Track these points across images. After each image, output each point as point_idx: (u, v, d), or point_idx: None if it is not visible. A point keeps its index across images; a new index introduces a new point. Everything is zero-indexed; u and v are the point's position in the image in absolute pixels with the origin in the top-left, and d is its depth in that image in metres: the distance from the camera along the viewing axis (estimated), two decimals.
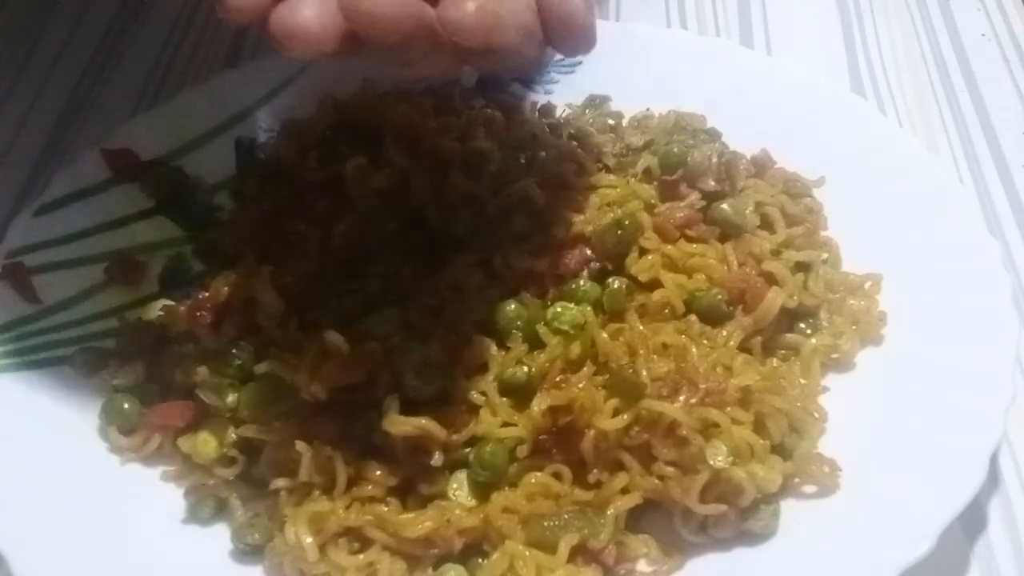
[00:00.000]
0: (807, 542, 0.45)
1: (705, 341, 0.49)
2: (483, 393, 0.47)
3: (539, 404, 0.45)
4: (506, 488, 0.45)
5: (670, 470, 0.45)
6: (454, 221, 0.52)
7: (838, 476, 0.46)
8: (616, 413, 0.45)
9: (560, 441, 0.46)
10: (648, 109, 0.62)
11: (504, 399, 0.47)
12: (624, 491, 0.45)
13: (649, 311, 0.50)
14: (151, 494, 0.48)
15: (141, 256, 0.57)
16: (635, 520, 0.46)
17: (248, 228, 0.55)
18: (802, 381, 0.50)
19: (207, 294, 0.52)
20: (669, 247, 0.52)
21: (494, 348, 0.48)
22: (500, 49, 0.39)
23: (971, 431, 0.46)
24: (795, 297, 0.51)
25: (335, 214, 0.53)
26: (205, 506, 0.47)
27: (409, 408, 0.46)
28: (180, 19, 0.77)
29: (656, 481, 0.45)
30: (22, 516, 0.46)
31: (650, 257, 0.51)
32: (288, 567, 0.44)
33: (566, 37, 0.41)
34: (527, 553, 0.43)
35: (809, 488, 0.46)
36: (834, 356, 0.51)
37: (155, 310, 0.54)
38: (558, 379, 0.46)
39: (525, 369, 0.47)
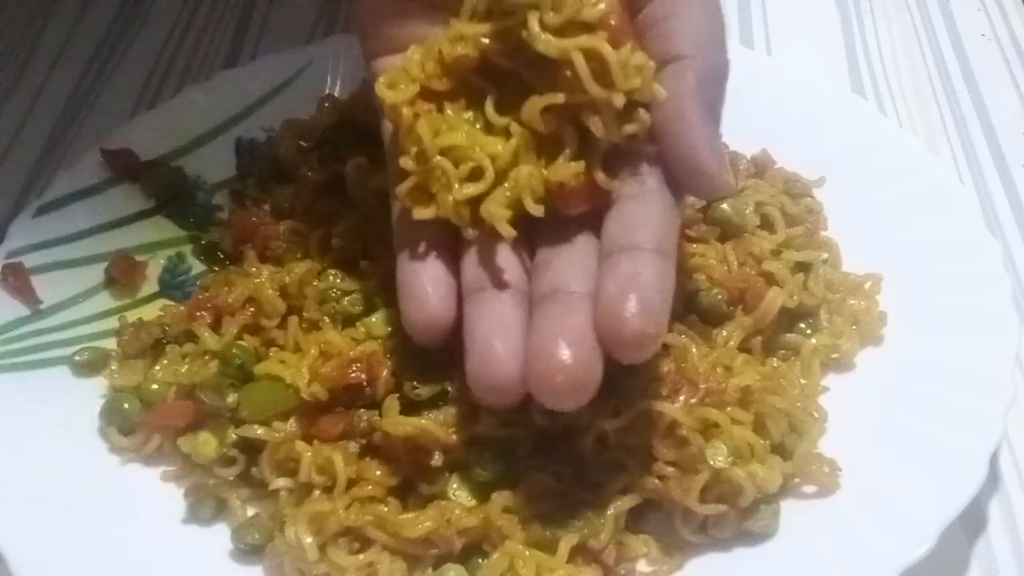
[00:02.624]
0: (807, 542, 0.45)
1: (705, 341, 0.49)
2: None
3: (539, 404, 0.45)
4: (506, 488, 0.45)
5: (670, 470, 0.45)
6: None
7: (838, 476, 0.46)
8: (616, 413, 0.45)
9: (560, 441, 0.46)
10: None
11: None
12: (624, 491, 0.45)
13: None
14: (151, 494, 0.48)
15: (141, 256, 0.57)
16: (635, 520, 0.46)
17: (248, 228, 0.55)
18: (802, 381, 0.50)
19: (207, 294, 0.52)
20: None
21: None
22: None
23: (971, 431, 0.46)
24: (795, 297, 0.51)
25: (335, 214, 0.53)
26: (205, 506, 0.47)
27: (409, 408, 0.46)
28: (180, 19, 0.77)
29: (656, 481, 0.45)
30: (22, 516, 0.46)
31: None
32: (288, 567, 0.44)
33: (698, 188, 0.42)
34: (527, 553, 0.43)
35: (809, 488, 0.47)
36: (834, 356, 0.51)
37: (155, 310, 0.54)
38: None
39: None
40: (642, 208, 0.41)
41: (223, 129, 0.62)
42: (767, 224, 0.54)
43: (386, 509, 0.45)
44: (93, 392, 0.51)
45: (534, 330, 0.39)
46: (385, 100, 0.43)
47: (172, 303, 0.55)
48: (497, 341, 0.39)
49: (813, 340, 0.51)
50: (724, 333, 0.50)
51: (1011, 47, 0.73)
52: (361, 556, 0.44)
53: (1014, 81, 0.70)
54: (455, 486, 0.45)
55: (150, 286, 0.57)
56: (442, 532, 0.44)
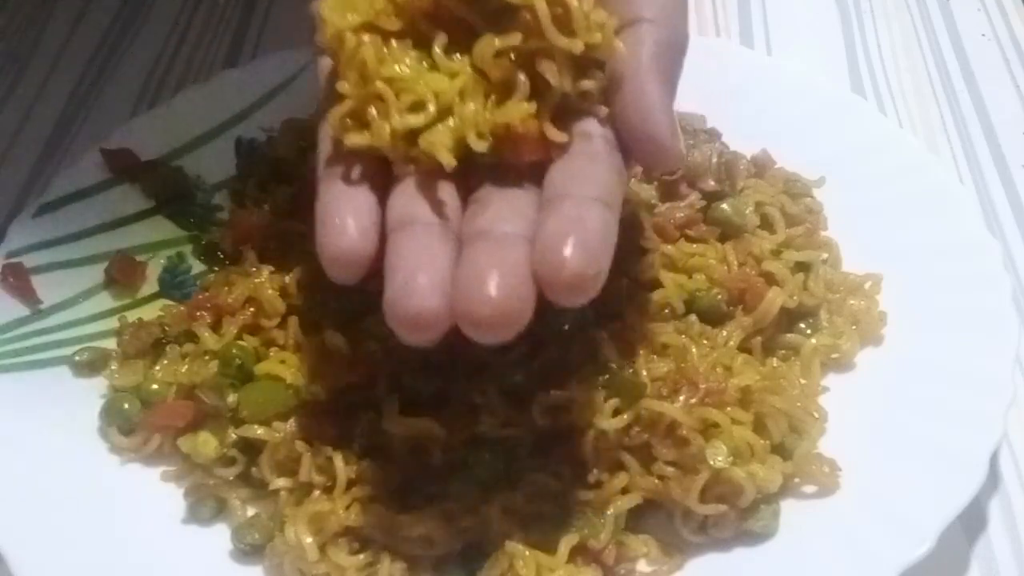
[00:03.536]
0: (807, 542, 0.45)
1: (705, 341, 0.49)
2: (483, 393, 0.46)
3: (539, 404, 0.45)
4: (506, 488, 0.45)
5: (670, 470, 0.45)
6: None
7: (838, 476, 0.46)
8: (616, 413, 0.45)
9: (560, 441, 0.46)
10: None
11: (504, 399, 0.47)
12: (624, 491, 0.45)
13: (649, 311, 0.50)
14: (151, 494, 0.48)
15: (141, 256, 0.57)
16: (635, 520, 0.46)
17: (248, 228, 0.55)
18: (802, 381, 0.50)
19: (207, 294, 0.52)
20: (669, 247, 0.52)
21: (494, 348, 0.48)
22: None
23: (971, 431, 0.46)
24: (795, 297, 0.51)
25: None
26: (205, 506, 0.47)
27: (409, 408, 0.46)
28: (180, 19, 0.77)
29: (656, 481, 0.45)
30: (22, 516, 0.46)
31: (650, 257, 0.51)
32: (288, 567, 0.44)
33: (648, 155, 0.40)
34: (527, 553, 0.43)
35: (809, 488, 0.47)
36: (834, 356, 0.51)
37: (155, 310, 0.54)
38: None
39: (525, 369, 0.47)
40: (589, 164, 0.40)
41: (223, 129, 0.62)
42: (767, 224, 0.54)
43: (386, 509, 0.45)
44: (93, 392, 0.51)
45: (463, 263, 0.37)
46: (328, 23, 0.40)
47: (172, 303, 0.55)
48: (421, 273, 0.36)
49: (813, 340, 0.51)
50: (724, 333, 0.50)
51: (1011, 47, 0.73)
52: (361, 556, 0.44)
53: (1014, 81, 0.70)
54: (455, 486, 0.45)
55: (150, 286, 0.57)
56: (442, 532, 0.44)
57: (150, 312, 0.54)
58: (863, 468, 0.46)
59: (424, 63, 0.40)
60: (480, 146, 0.39)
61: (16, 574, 0.44)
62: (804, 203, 0.56)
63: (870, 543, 0.43)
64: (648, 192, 0.54)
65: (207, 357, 0.50)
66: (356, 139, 0.40)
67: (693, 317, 0.50)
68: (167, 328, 0.52)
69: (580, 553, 0.44)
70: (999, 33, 0.74)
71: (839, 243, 0.55)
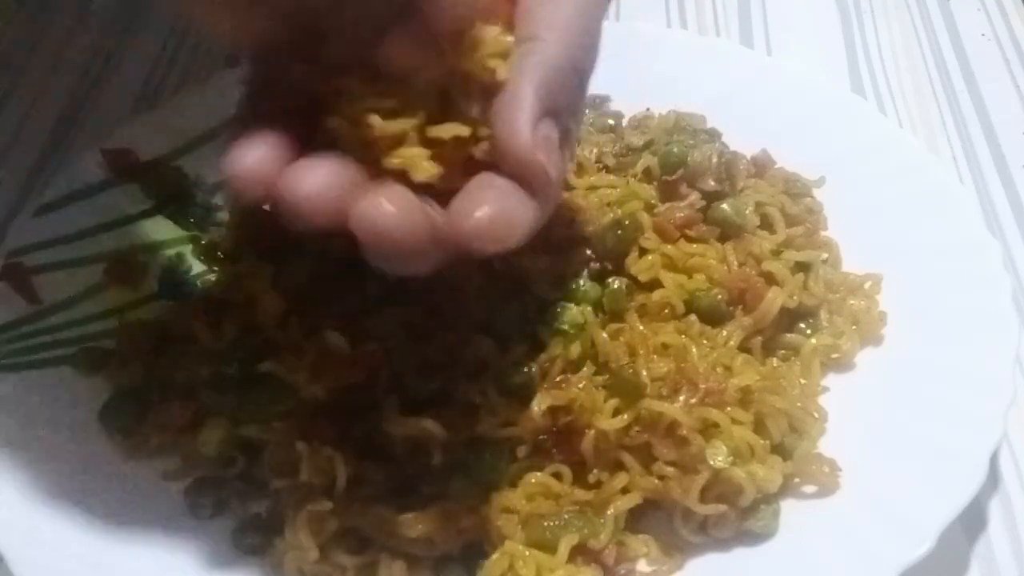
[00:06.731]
0: (807, 542, 0.45)
1: (705, 341, 0.49)
2: (483, 393, 0.46)
3: (539, 404, 0.45)
4: (506, 488, 0.45)
5: (670, 470, 0.45)
6: None
7: (838, 476, 0.46)
8: (616, 413, 0.45)
9: (560, 441, 0.46)
10: (648, 109, 0.62)
11: (504, 399, 0.47)
12: (624, 491, 0.45)
13: (649, 311, 0.50)
14: (151, 493, 0.48)
15: (141, 256, 0.57)
16: (635, 520, 0.46)
17: (248, 228, 0.55)
18: (802, 381, 0.50)
19: (207, 294, 0.52)
20: (669, 247, 0.52)
21: (494, 348, 0.48)
22: (513, 245, 0.38)
23: (971, 431, 0.46)
24: (795, 297, 0.51)
25: None
26: (205, 506, 0.47)
27: (409, 408, 0.46)
28: (180, 19, 0.77)
29: (656, 481, 0.45)
30: (22, 516, 0.46)
31: (650, 257, 0.51)
32: (288, 567, 0.44)
33: (517, 176, 0.38)
34: (527, 553, 0.43)
35: (809, 488, 0.47)
36: (834, 356, 0.51)
37: (155, 310, 0.54)
38: (558, 379, 0.46)
39: (525, 369, 0.47)
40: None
41: (223, 129, 0.62)
42: (767, 224, 0.54)
43: (386, 509, 0.45)
44: (93, 392, 0.51)
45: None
46: None
47: (172, 303, 0.55)
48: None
49: (813, 340, 0.51)
50: (724, 333, 0.50)
51: (1011, 47, 0.73)
52: (361, 556, 0.44)
53: (1014, 81, 0.70)
54: (455, 486, 0.45)
55: (150, 286, 0.57)
56: (442, 532, 0.44)
57: (150, 312, 0.54)
58: (863, 468, 0.46)
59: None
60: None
61: (16, 574, 0.44)
62: (804, 203, 0.56)
63: (870, 543, 0.43)
64: (648, 192, 0.54)
65: (207, 357, 0.50)
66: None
67: (693, 317, 0.50)
68: (167, 328, 0.52)
69: (580, 553, 0.44)
70: (999, 33, 0.74)
71: (839, 243, 0.55)
